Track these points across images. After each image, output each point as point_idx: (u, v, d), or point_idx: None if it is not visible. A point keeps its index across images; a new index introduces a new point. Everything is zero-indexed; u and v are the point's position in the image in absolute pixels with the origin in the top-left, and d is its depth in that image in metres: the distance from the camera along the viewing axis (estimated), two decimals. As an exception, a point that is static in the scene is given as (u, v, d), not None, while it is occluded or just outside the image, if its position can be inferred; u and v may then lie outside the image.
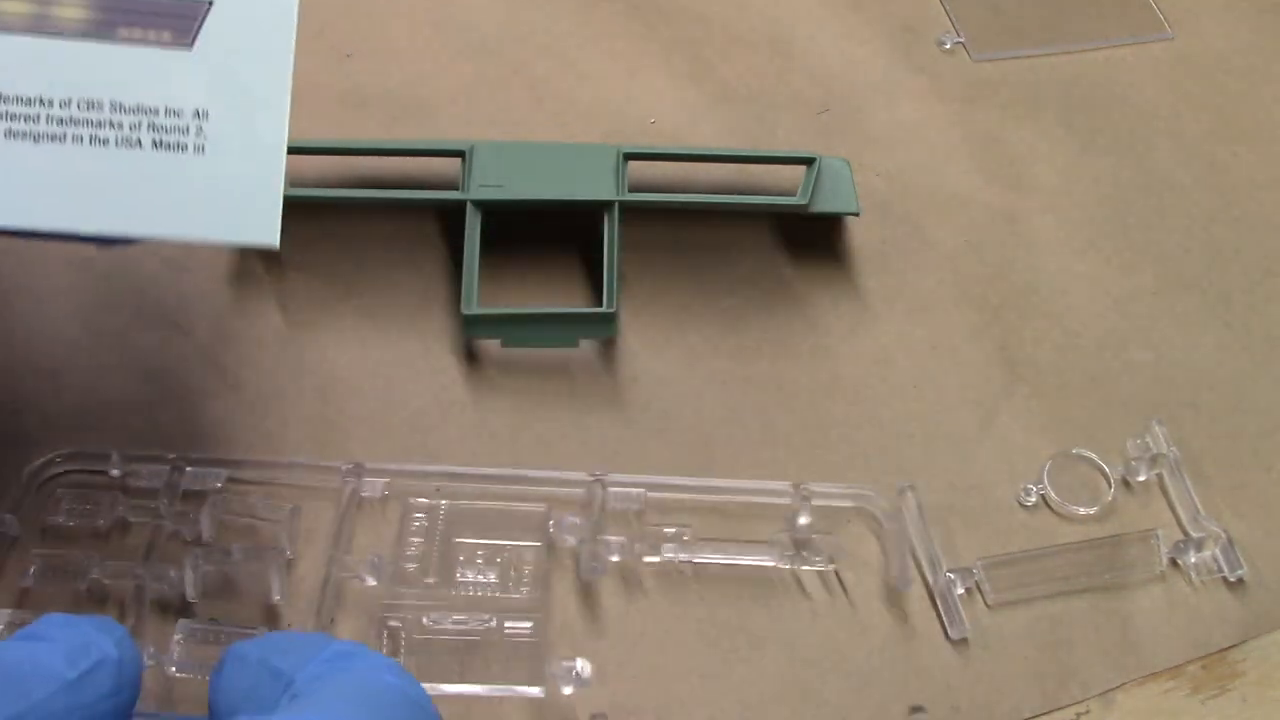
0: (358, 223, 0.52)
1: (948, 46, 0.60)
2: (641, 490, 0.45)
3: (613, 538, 0.43)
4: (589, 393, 0.48)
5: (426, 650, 0.41)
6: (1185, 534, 0.46)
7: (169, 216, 0.36)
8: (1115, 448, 0.48)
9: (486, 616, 0.42)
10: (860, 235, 0.53)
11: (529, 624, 0.42)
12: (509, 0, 0.61)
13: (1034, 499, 0.47)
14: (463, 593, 0.42)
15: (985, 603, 0.44)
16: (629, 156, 0.51)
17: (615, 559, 0.44)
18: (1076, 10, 0.62)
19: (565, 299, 0.51)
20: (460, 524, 0.44)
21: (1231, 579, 0.45)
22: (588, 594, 0.43)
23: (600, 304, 0.48)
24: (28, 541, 0.43)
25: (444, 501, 0.45)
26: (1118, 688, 0.43)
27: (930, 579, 0.44)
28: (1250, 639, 0.44)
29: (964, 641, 0.43)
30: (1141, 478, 0.47)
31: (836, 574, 0.44)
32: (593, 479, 0.45)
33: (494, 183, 0.50)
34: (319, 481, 0.45)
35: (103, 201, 0.36)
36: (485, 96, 0.57)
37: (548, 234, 0.52)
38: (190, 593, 0.41)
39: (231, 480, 0.44)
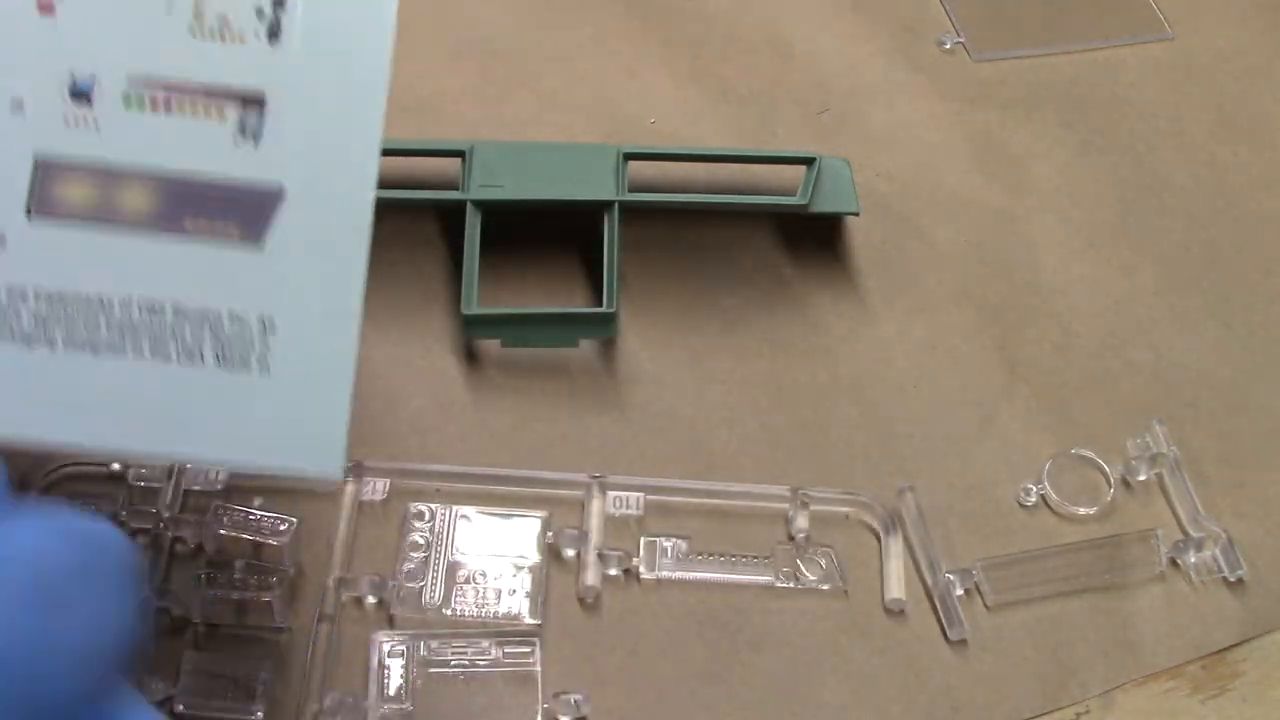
0: (358, 223, 0.52)
1: (948, 46, 0.60)
2: (640, 495, 0.45)
3: (612, 551, 0.43)
4: (589, 393, 0.48)
5: (428, 682, 0.41)
6: (1185, 534, 0.46)
7: (225, 440, 0.33)
8: (1115, 448, 0.48)
9: (486, 644, 0.42)
10: (860, 235, 0.53)
11: (528, 648, 0.42)
12: (509, 1, 0.61)
13: (1034, 499, 0.47)
14: (462, 612, 0.42)
15: (985, 604, 0.44)
16: (629, 156, 0.51)
17: (614, 573, 0.44)
18: (1076, 10, 0.62)
19: (565, 299, 0.51)
20: (459, 536, 0.44)
21: (1231, 579, 0.45)
22: (587, 599, 0.43)
23: (600, 304, 0.48)
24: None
25: (442, 513, 0.44)
26: (1118, 688, 0.43)
27: (930, 580, 0.44)
28: (1250, 639, 0.44)
29: (963, 642, 0.43)
30: (1141, 478, 0.47)
31: (836, 576, 0.44)
32: (592, 480, 0.45)
33: (494, 183, 0.50)
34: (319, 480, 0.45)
35: (159, 422, 0.33)
36: (485, 96, 0.57)
37: (548, 234, 0.52)
38: (195, 614, 0.42)
39: (233, 478, 0.44)
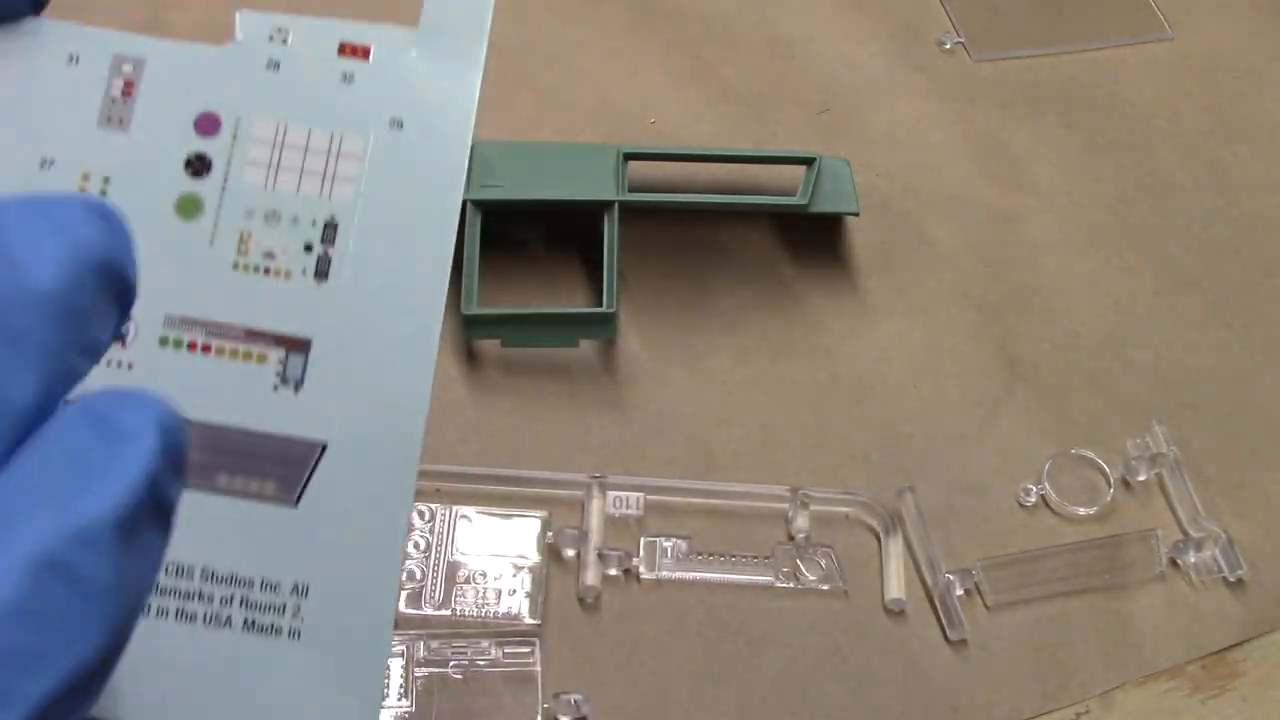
0: (358, 223, 0.52)
1: (948, 46, 0.60)
2: (640, 495, 0.45)
3: (612, 551, 0.43)
4: (589, 393, 0.48)
5: (427, 682, 0.41)
6: (1185, 534, 0.46)
7: (250, 709, 0.30)
8: (1115, 448, 0.48)
9: (486, 644, 0.42)
10: (860, 235, 0.53)
11: (528, 648, 0.42)
12: (509, 1, 0.61)
13: (1034, 499, 0.47)
14: (462, 612, 0.43)
15: (985, 604, 0.44)
16: (629, 156, 0.51)
17: (614, 573, 0.44)
18: (1076, 10, 0.62)
19: (565, 299, 0.51)
20: (459, 536, 0.44)
21: (1231, 579, 0.45)
22: (587, 599, 0.43)
23: (600, 304, 0.48)
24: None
25: (442, 513, 0.44)
26: (1118, 688, 0.43)
27: (930, 580, 0.44)
28: (1250, 639, 0.44)
29: (963, 642, 0.43)
30: (1141, 478, 0.47)
31: (837, 576, 0.44)
32: (592, 480, 0.45)
33: (494, 183, 0.50)
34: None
35: (181, 693, 0.30)
36: (486, 96, 0.57)
37: (548, 234, 0.52)
38: None
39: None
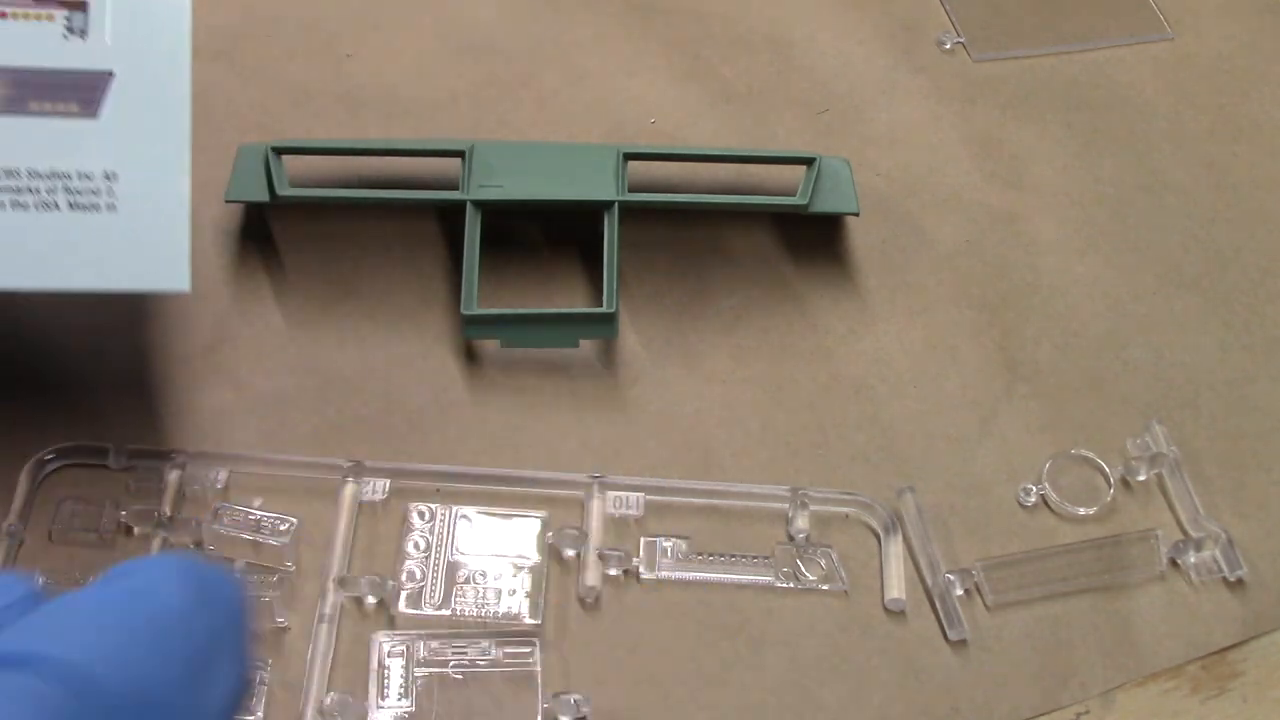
0: (358, 223, 0.52)
1: (948, 46, 0.60)
2: (640, 495, 0.45)
3: (612, 551, 0.43)
4: (589, 393, 0.48)
5: (427, 682, 0.41)
6: (1185, 534, 0.46)
7: (87, 270, 0.40)
8: (1115, 448, 0.48)
9: (486, 644, 0.42)
10: (860, 235, 0.53)
11: (528, 649, 0.42)
12: (509, 1, 0.61)
13: (1034, 499, 0.47)
14: (462, 612, 0.42)
15: (985, 604, 0.44)
16: (629, 156, 0.51)
17: (614, 573, 0.44)
18: (1076, 10, 0.62)
19: (565, 299, 0.51)
20: (459, 536, 0.44)
21: (1231, 579, 0.45)
22: (587, 599, 0.43)
23: (600, 304, 0.48)
24: (33, 547, 0.43)
25: (442, 513, 0.44)
26: (1118, 688, 0.43)
27: (930, 580, 0.44)
28: (1250, 639, 0.44)
29: (963, 643, 0.43)
30: (1141, 478, 0.47)
31: (837, 576, 0.44)
32: (592, 480, 0.45)
33: (494, 183, 0.50)
34: (319, 479, 0.45)
35: (24, 260, 0.39)
36: (485, 96, 0.57)
37: (548, 234, 0.52)
38: None
39: (232, 477, 0.44)
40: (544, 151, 0.51)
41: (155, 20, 0.42)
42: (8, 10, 0.41)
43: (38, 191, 0.40)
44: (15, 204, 0.40)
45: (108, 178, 0.40)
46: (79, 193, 0.40)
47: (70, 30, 0.41)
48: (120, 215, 0.40)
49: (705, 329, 0.50)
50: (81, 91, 0.41)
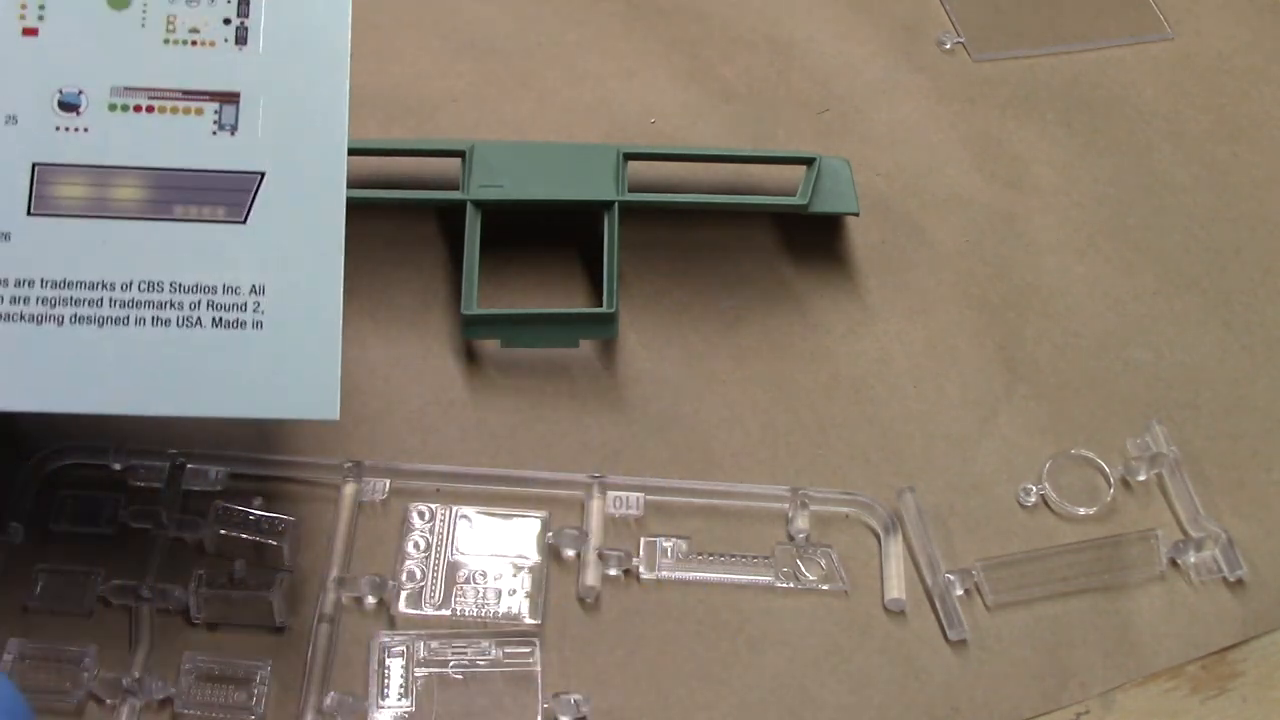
0: (358, 223, 0.52)
1: (948, 46, 0.60)
2: (640, 495, 0.45)
3: (612, 551, 0.43)
4: (589, 393, 0.48)
5: (427, 682, 0.41)
6: (1185, 534, 0.46)
7: (231, 394, 0.37)
8: (1115, 448, 0.48)
9: (486, 644, 0.42)
10: (860, 235, 0.53)
11: (528, 649, 0.42)
12: (509, 1, 0.61)
13: (1034, 499, 0.47)
14: (462, 612, 0.42)
15: (985, 604, 0.44)
16: (629, 156, 0.51)
17: (614, 573, 0.44)
18: (1076, 10, 0.62)
19: (565, 299, 0.51)
20: (459, 536, 0.44)
21: (1231, 579, 0.45)
22: (587, 599, 0.43)
23: (600, 304, 0.48)
24: (33, 547, 0.43)
25: (442, 513, 0.44)
26: (1118, 688, 0.43)
27: (930, 580, 0.44)
28: (1250, 639, 0.44)
29: (963, 642, 0.43)
30: (1141, 478, 0.47)
31: (837, 576, 0.44)
32: (592, 480, 0.45)
33: (494, 183, 0.50)
34: (319, 479, 0.45)
35: (166, 383, 0.37)
36: (485, 96, 0.57)
37: (548, 234, 0.52)
38: (195, 614, 0.42)
39: (232, 477, 0.44)
40: (544, 151, 0.51)
41: (312, 113, 0.39)
42: (155, 104, 0.38)
43: (180, 306, 0.37)
44: (157, 320, 0.37)
45: (255, 291, 0.37)
46: (224, 308, 0.37)
47: (220, 125, 0.38)
48: (267, 333, 0.37)
49: (705, 329, 0.50)
50: (230, 194, 0.38)
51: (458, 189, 0.50)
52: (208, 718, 0.40)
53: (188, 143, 0.38)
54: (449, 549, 0.44)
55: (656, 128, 0.56)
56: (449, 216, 0.52)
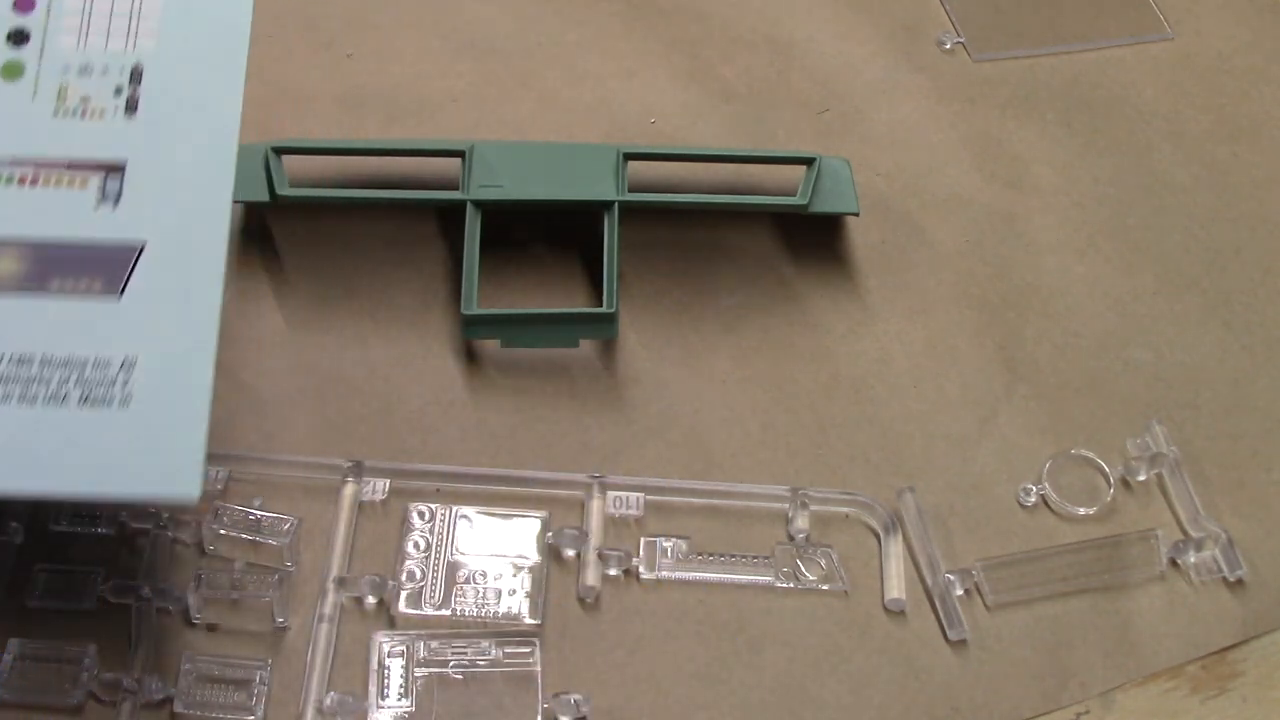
0: (358, 223, 0.52)
1: (948, 46, 0.60)
2: (640, 495, 0.45)
3: (612, 551, 0.43)
4: (589, 393, 0.48)
5: (427, 682, 0.41)
6: (1185, 534, 0.46)
7: (90, 473, 0.36)
8: (1115, 448, 0.48)
9: (486, 644, 0.42)
10: (860, 235, 0.53)
11: (528, 649, 0.42)
12: (509, 1, 0.61)
13: (1034, 499, 0.47)
14: (462, 612, 0.42)
15: (985, 604, 0.44)
16: (629, 156, 0.51)
17: (614, 573, 0.44)
18: (1076, 10, 0.62)
19: (565, 299, 0.51)
20: (459, 536, 0.44)
21: (1231, 579, 0.45)
22: (587, 599, 0.43)
23: (600, 304, 0.48)
24: (33, 547, 0.43)
25: (442, 513, 0.44)
26: (1118, 688, 0.43)
27: (930, 580, 0.44)
28: (1250, 639, 0.44)
29: (963, 642, 0.43)
30: (1141, 478, 0.47)
31: (837, 576, 0.44)
32: (592, 480, 0.45)
33: (494, 183, 0.50)
34: (319, 479, 0.45)
35: (24, 461, 0.35)
36: (485, 96, 0.57)
37: (548, 234, 0.52)
38: (194, 614, 0.42)
39: (233, 478, 0.44)
40: (544, 151, 0.51)
41: (197, 183, 0.38)
42: (41, 175, 0.38)
43: (49, 383, 0.36)
44: (23, 397, 0.36)
45: (125, 367, 0.36)
46: (92, 384, 0.36)
47: (104, 197, 0.38)
48: (133, 411, 0.36)
49: (705, 329, 0.50)
50: (108, 267, 0.37)
51: (458, 189, 0.50)
52: (207, 718, 0.40)
53: (70, 215, 0.37)
54: (449, 549, 0.44)
55: (656, 128, 0.56)
56: (449, 216, 0.52)
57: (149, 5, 0.40)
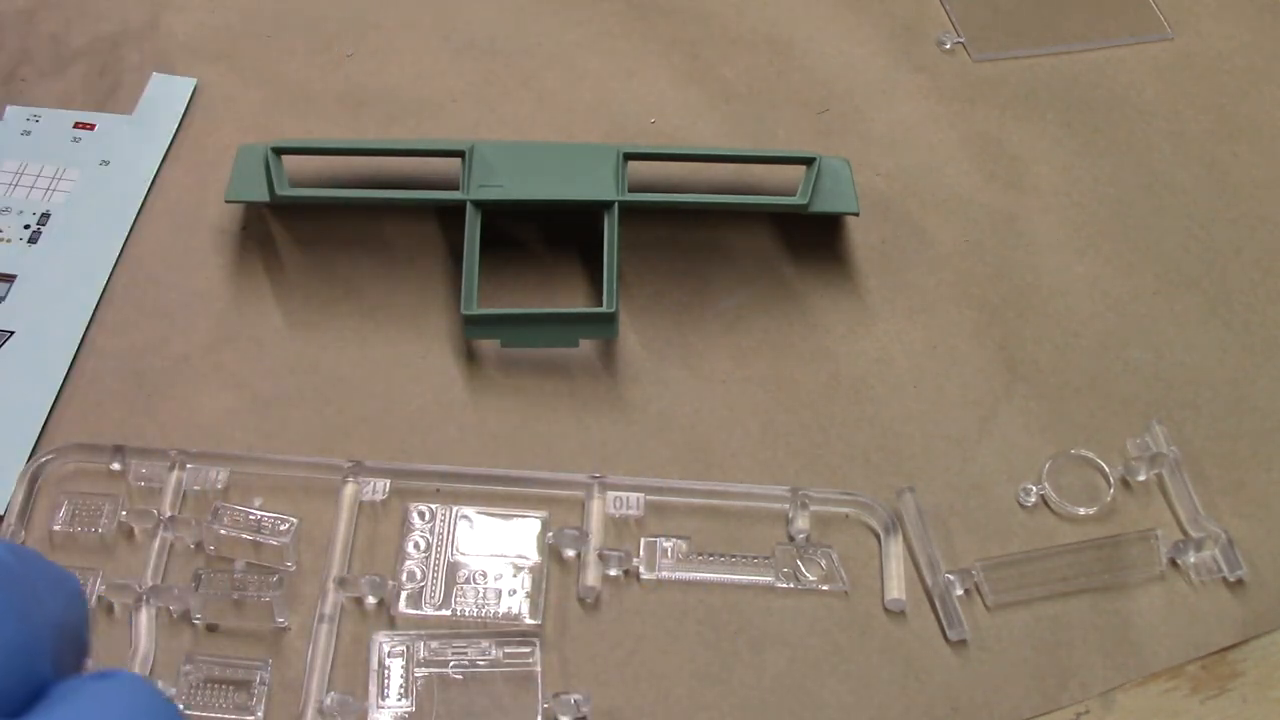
0: (358, 223, 0.52)
1: (948, 46, 0.60)
2: (640, 495, 0.45)
3: (612, 551, 0.43)
4: (589, 393, 0.48)
5: (427, 682, 0.41)
6: (1185, 534, 0.46)
7: None
8: (1115, 448, 0.48)
9: (486, 644, 0.42)
10: (860, 235, 0.53)
11: (528, 649, 0.42)
12: (509, 1, 0.61)
13: (1034, 499, 0.47)
14: (462, 612, 0.42)
15: (985, 604, 0.44)
16: (629, 156, 0.51)
17: (614, 573, 0.44)
18: (1076, 10, 0.62)
19: (565, 299, 0.51)
20: (459, 536, 0.44)
21: (1231, 579, 0.45)
22: (587, 599, 0.43)
23: (600, 304, 0.48)
24: (33, 547, 0.43)
25: (442, 513, 0.44)
26: (1118, 688, 0.43)
27: (930, 580, 0.44)
28: (1250, 639, 0.44)
29: (963, 642, 0.43)
30: (1141, 478, 0.47)
31: (837, 576, 0.44)
32: (592, 480, 0.45)
33: (494, 183, 0.50)
34: (319, 479, 0.45)
35: None
36: (485, 96, 0.57)
37: (548, 234, 0.52)
38: (195, 614, 0.42)
39: (232, 477, 0.44)
40: (544, 151, 0.51)
41: (70, 290, 0.48)
42: None
43: None
44: None
45: None
46: None
47: None
48: None
49: (705, 329, 0.50)
50: None
51: (458, 189, 0.50)
52: (208, 718, 0.40)
53: None
54: (449, 549, 0.44)
55: (656, 128, 0.56)
56: (449, 216, 0.52)
57: (70, 171, 0.52)
